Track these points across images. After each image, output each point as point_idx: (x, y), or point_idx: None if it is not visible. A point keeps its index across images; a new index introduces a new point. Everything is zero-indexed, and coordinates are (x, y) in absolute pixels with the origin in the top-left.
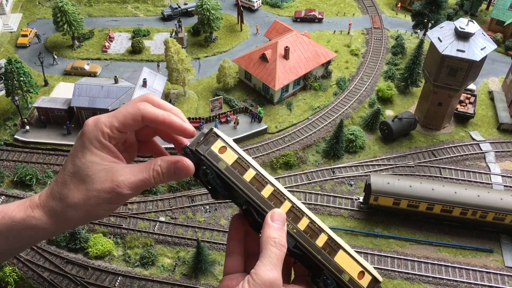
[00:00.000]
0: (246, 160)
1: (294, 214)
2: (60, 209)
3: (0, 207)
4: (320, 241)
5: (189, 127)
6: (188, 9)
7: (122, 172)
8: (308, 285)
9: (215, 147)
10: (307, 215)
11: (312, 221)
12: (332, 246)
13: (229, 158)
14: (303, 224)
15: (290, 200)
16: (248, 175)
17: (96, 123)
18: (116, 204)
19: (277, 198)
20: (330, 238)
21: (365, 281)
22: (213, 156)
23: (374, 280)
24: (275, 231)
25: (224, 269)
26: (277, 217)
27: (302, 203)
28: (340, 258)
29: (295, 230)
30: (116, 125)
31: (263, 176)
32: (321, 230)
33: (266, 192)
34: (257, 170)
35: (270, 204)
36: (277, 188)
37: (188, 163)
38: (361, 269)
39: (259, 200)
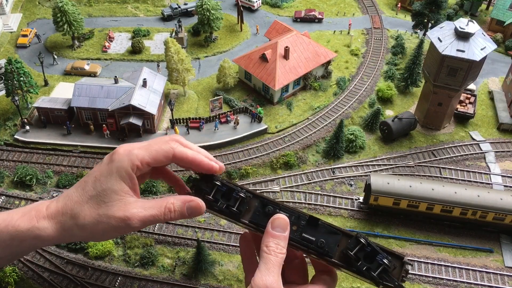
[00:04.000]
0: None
1: None
2: (68, 225)
3: (3, 215)
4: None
5: (216, 165)
6: (188, 9)
7: (135, 205)
8: (326, 283)
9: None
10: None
11: None
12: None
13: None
14: None
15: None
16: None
17: (129, 154)
18: (121, 233)
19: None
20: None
21: None
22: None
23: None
24: (271, 239)
25: (245, 284)
26: (276, 224)
27: (302, 203)
28: None
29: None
30: (147, 159)
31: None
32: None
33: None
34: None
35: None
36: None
37: (201, 202)
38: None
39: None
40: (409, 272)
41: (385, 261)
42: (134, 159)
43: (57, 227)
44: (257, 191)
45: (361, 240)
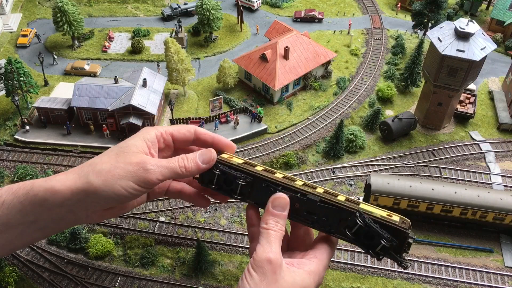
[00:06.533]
0: (252, 162)
1: (308, 186)
2: (84, 172)
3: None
4: (341, 198)
5: (233, 143)
6: (188, 9)
7: (151, 159)
8: (329, 245)
9: (222, 156)
10: (319, 186)
11: (326, 190)
12: (353, 201)
13: (237, 160)
14: (319, 191)
15: (301, 180)
16: (259, 168)
17: (155, 127)
18: (138, 185)
19: (289, 179)
20: (347, 197)
21: (396, 218)
22: (224, 159)
23: (403, 219)
24: (271, 217)
25: (250, 252)
26: (277, 203)
27: None
28: (365, 206)
29: (314, 193)
30: (171, 130)
31: (271, 169)
32: (338, 194)
33: (278, 176)
34: (263, 166)
35: (287, 181)
36: (285, 174)
37: (212, 151)
38: (387, 212)
39: (276, 180)
40: (409, 272)
41: (384, 241)
42: (159, 128)
43: (73, 176)
44: (258, 171)
45: (358, 221)
